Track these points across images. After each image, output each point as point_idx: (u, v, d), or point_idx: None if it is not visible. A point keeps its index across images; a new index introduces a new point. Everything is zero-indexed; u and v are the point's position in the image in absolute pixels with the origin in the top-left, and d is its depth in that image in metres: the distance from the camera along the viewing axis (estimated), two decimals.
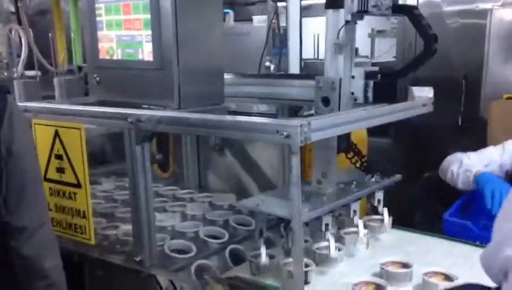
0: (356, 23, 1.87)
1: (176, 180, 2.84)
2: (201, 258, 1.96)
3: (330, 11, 1.84)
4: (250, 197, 1.99)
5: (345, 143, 1.97)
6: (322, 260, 1.84)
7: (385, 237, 2.09)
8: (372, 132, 2.77)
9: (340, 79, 1.83)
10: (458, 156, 2.47)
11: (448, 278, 1.67)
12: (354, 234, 1.99)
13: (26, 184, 1.59)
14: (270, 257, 1.83)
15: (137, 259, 1.93)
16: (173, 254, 1.98)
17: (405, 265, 1.76)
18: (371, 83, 1.89)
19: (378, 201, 2.05)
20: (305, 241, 1.94)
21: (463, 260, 1.85)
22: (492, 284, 0.83)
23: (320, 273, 1.80)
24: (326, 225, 1.81)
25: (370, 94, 1.89)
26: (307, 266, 1.73)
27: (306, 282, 1.70)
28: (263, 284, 1.74)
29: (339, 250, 1.87)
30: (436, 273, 1.70)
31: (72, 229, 2.12)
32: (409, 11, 1.88)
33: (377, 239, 2.07)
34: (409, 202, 3.28)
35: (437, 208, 2.65)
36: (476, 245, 1.95)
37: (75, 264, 2.22)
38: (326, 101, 1.84)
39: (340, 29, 1.82)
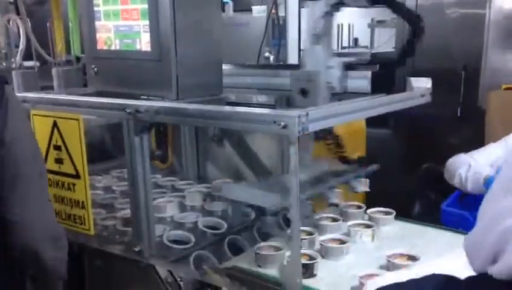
0: (333, 14, 1.91)
1: (175, 171, 2.84)
2: (200, 249, 1.97)
3: (309, 2, 1.87)
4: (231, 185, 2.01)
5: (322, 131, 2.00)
6: (328, 253, 1.83)
7: (389, 228, 2.07)
8: (372, 122, 2.77)
9: (319, 71, 1.85)
10: (463, 158, 2.39)
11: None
12: (359, 226, 1.99)
13: (19, 176, 1.57)
14: (276, 248, 1.81)
15: (137, 249, 1.94)
16: (172, 245, 1.98)
17: (411, 257, 1.74)
18: (370, 73, 1.90)
19: (354, 189, 2.11)
20: (311, 233, 1.93)
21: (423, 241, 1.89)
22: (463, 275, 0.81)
23: (326, 266, 1.78)
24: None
25: (369, 85, 1.90)
26: (313, 258, 1.72)
27: (313, 275, 1.70)
28: (262, 274, 1.75)
29: (345, 242, 1.86)
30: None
31: (71, 219, 2.12)
32: (388, 1, 1.89)
33: (381, 231, 2.04)
34: (407, 192, 3.29)
35: (435, 198, 2.66)
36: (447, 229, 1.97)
37: (75, 254, 2.23)
38: (304, 92, 1.87)
39: (317, 20, 1.84)
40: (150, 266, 1.95)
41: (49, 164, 2.13)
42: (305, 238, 1.87)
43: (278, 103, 2.50)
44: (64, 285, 2.33)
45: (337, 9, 1.90)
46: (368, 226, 2.00)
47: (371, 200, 2.67)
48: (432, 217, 2.23)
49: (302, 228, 1.88)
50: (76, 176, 2.05)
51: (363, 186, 2.14)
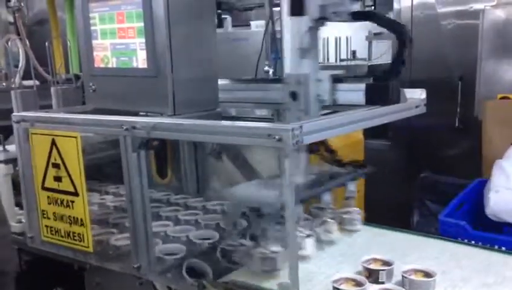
0: (319, 29, 1.96)
1: (175, 187, 2.85)
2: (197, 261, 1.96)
3: (294, 18, 1.94)
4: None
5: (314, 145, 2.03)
6: (414, 288, 1.65)
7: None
8: (371, 134, 2.78)
9: (307, 74, 1.92)
10: None
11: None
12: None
13: None
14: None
15: (135, 266, 1.94)
16: (166, 257, 1.97)
17: (386, 263, 1.72)
18: (364, 86, 1.92)
19: (351, 192, 2.09)
20: (389, 263, 1.76)
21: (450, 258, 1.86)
22: None
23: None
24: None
25: (363, 97, 1.93)
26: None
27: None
28: (260, 287, 1.74)
29: (432, 276, 1.65)
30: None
31: (70, 237, 2.13)
32: (370, 16, 1.95)
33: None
34: (406, 202, 3.29)
35: (434, 207, 2.66)
36: (470, 245, 1.96)
37: (74, 272, 2.24)
38: (294, 95, 1.92)
39: (303, 35, 1.89)
40: (148, 282, 1.95)
41: (48, 182, 2.14)
42: (383, 270, 1.70)
43: (275, 117, 2.52)
44: None
45: (322, 24, 1.94)
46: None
47: (370, 210, 2.67)
48: (431, 226, 2.24)
49: (376, 256, 1.77)
50: (75, 193, 2.06)
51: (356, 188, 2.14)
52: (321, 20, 1.91)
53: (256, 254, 1.72)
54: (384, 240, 2.05)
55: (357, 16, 1.93)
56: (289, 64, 2.01)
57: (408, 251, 1.93)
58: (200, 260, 1.91)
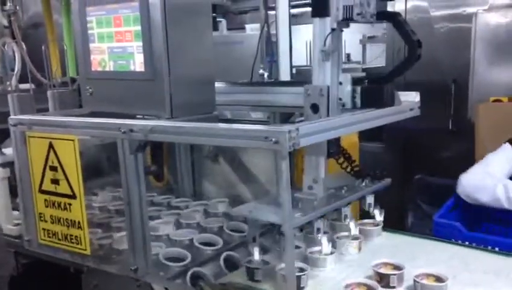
0: (342, 30, 1.92)
1: (171, 189, 2.86)
2: (196, 265, 1.98)
3: (316, 19, 1.89)
4: (243, 204, 2.01)
5: (335, 148, 2.00)
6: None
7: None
8: (366, 136, 2.79)
9: (328, 87, 1.87)
10: (488, 179, 2.33)
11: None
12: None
13: None
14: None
15: (133, 268, 1.95)
16: (168, 262, 1.99)
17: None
18: (359, 88, 1.93)
19: (369, 205, 2.06)
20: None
21: (456, 261, 1.87)
22: None
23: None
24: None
25: (358, 100, 1.93)
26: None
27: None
28: (258, 289, 1.76)
29: (444, 280, 1.66)
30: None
31: (67, 240, 2.14)
32: (393, 18, 1.93)
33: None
34: (401, 203, 3.32)
35: (428, 209, 2.68)
36: (465, 245, 1.98)
37: (71, 274, 2.25)
38: (315, 107, 1.88)
39: (326, 37, 1.86)
40: (146, 284, 1.96)
41: (45, 185, 2.15)
42: (394, 274, 1.71)
43: (271, 119, 2.54)
44: None
45: (346, 26, 1.90)
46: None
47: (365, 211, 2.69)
48: (425, 227, 2.26)
49: (386, 260, 1.79)
50: (73, 196, 2.07)
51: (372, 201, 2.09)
52: (345, 21, 1.87)
53: (279, 272, 1.71)
54: (390, 243, 2.06)
55: (381, 17, 1.91)
56: (312, 66, 1.94)
57: (417, 254, 1.93)
58: (204, 268, 1.93)
